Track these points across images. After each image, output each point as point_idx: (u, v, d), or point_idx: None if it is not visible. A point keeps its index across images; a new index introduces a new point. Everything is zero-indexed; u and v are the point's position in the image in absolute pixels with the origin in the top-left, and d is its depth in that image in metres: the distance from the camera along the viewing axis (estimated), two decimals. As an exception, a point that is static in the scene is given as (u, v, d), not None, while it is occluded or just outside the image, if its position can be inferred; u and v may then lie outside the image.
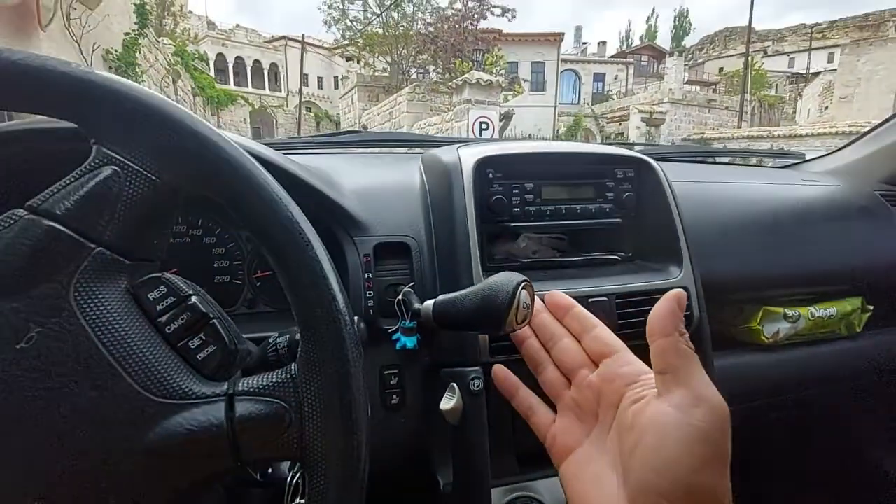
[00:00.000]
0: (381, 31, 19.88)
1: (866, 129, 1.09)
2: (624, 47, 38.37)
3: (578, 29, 44.29)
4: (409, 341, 0.54)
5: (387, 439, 0.56)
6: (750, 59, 16.25)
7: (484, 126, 8.04)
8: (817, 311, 0.88)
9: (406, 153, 0.93)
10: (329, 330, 0.31)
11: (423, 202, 0.64)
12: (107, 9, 6.04)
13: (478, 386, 0.51)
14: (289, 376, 0.31)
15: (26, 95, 0.29)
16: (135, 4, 7.74)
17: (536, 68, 21.77)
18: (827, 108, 16.87)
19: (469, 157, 0.61)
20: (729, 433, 0.30)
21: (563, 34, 22.34)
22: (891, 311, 0.97)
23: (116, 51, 6.87)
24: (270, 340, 0.44)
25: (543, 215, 0.66)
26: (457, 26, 17.81)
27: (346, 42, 22.20)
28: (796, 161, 1.22)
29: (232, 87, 23.45)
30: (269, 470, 0.49)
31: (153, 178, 0.30)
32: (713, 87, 24.20)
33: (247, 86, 25.40)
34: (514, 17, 19.09)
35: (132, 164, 0.30)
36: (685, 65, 25.74)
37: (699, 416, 0.30)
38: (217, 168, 0.31)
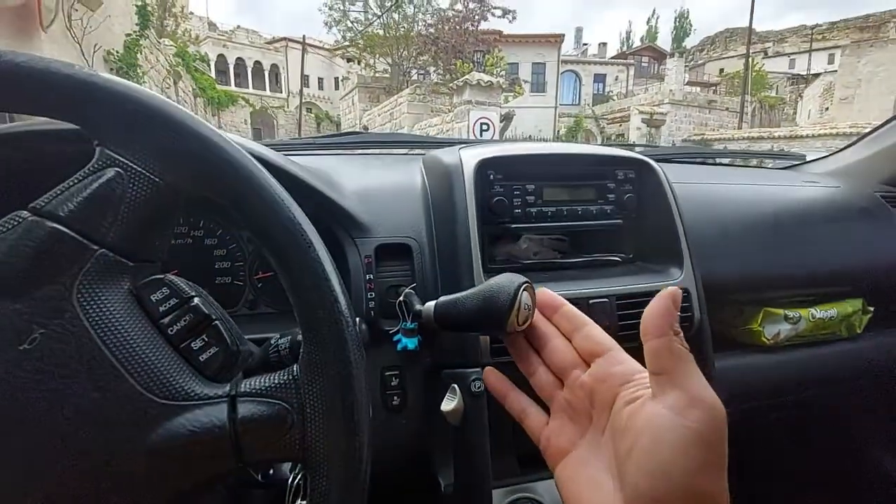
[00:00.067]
0: (381, 32, 19.86)
1: (867, 131, 1.10)
2: (624, 48, 38.33)
3: (579, 30, 44.28)
4: (411, 342, 0.54)
5: (388, 440, 0.56)
6: (750, 60, 16.25)
7: (484, 127, 8.03)
8: (818, 312, 0.88)
9: (407, 154, 0.93)
10: (331, 331, 0.31)
11: (424, 203, 0.64)
12: (108, 10, 6.05)
13: (479, 387, 0.51)
14: (291, 377, 0.31)
15: (30, 98, 0.30)
16: (136, 5, 7.76)
17: (537, 69, 21.75)
18: (827, 109, 16.84)
19: (470, 158, 0.61)
20: (726, 435, 0.30)
21: (564, 35, 22.35)
22: (891, 312, 0.97)
23: (118, 52, 6.87)
24: (272, 341, 0.44)
25: (544, 217, 0.66)
26: (457, 27, 17.79)
27: (347, 43, 22.17)
28: (797, 162, 1.22)
29: (233, 88, 23.43)
30: (271, 471, 0.49)
31: (156, 179, 0.30)
32: (714, 88, 24.18)
33: (248, 87, 25.39)
34: (514, 18, 19.06)
35: (135, 166, 0.30)
36: (686, 66, 25.71)
37: (695, 418, 0.29)
38: (219, 169, 0.31)
